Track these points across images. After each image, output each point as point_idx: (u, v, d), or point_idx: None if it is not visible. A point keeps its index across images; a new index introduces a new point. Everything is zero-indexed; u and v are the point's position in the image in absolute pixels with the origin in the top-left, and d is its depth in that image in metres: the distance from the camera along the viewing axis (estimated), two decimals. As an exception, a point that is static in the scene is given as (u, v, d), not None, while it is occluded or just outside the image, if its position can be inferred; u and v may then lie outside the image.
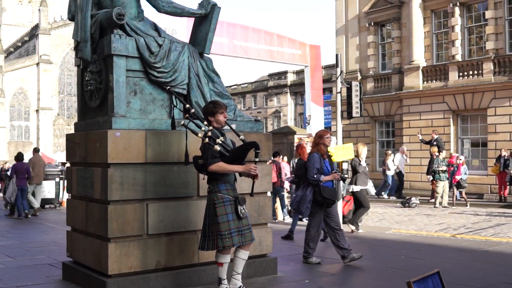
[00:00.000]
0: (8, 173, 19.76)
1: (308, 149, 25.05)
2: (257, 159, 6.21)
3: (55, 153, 59.70)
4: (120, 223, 6.42)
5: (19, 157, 17.99)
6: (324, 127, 28.08)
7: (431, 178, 19.91)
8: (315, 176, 8.32)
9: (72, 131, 7.91)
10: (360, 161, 12.28)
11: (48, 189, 20.29)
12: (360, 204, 12.34)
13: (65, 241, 7.74)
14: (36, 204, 17.78)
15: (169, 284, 6.68)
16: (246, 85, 75.31)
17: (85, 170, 7.04)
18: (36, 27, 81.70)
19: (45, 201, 20.23)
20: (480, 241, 11.19)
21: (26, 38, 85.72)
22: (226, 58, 37.03)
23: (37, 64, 79.18)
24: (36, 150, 19.24)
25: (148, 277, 6.56)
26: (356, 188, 12.19)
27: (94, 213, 6.75)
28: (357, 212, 12.43)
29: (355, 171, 12.27)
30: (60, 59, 79.25)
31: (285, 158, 21.10)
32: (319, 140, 8.54)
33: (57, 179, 20.35)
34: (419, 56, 26.17)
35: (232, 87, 77.73)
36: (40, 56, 79.23)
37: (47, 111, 79.08)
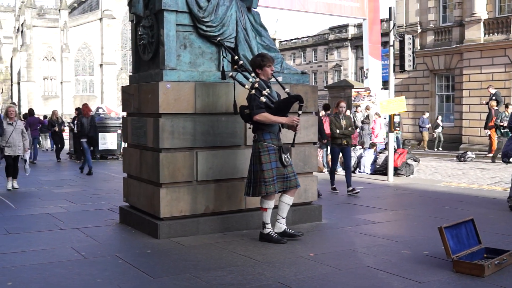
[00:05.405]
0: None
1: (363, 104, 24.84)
2: (300, 112, 6.44)
3: (119, 106, 61.15)
4: (171, 169, 6.82)
5: (31, 112, 21.01)
6: (382, 81, 27.83)
7: (489, 133, 19.67)
8: None
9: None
10: None
11: (110, 140, 21.08)
12: None
13: (124, 189, 8.21)
14: None
15: (217, 227, 7.08)
16: (307, 38, 74.72)
17: (138, 120, 7.44)
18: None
19: (107, 152, 21.08)
20: (531, 194, 11.12)
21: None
22: (285, 12, 36.75)
23: (100, 19, 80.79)
24: None
25: (197, 221, 6.98)
26: None
27: (147, 160, 7.17)
28: None
29: None
30: (122, 14, 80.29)
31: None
32: None
33: (119, 131, 20.93)
34: (481, 8, 25.48)
35: (292, 41, 77.27)
36: (103, 11, 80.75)
37: (111, 66, 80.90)
